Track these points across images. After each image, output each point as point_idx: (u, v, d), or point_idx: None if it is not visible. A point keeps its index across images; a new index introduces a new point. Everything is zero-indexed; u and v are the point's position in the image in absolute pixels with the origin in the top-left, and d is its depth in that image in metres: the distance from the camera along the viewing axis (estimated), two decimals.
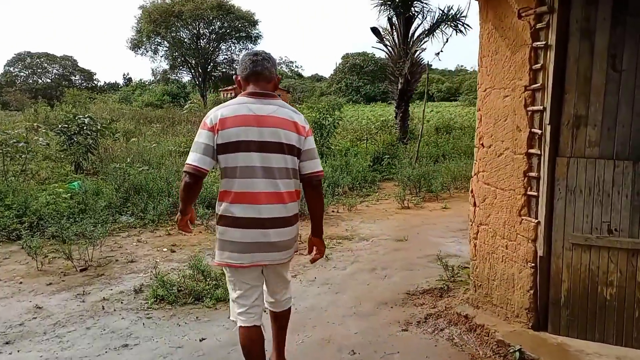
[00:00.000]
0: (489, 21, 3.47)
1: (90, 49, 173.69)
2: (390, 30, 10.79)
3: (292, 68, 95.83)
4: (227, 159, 2.32)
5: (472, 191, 3.74)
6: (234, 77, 2.62)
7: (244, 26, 49.92)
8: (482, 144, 3.57)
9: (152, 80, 57.23)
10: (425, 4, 10.50)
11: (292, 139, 2.38)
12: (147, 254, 5.40)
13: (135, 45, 49.12)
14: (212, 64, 51.67)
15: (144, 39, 48.25)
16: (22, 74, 65.37)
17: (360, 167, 8.95)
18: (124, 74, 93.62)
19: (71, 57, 68.98)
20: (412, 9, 10.57)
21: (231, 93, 50.39)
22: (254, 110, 2.34)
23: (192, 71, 51.34)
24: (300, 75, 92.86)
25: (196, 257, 5.10)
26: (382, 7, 10.92)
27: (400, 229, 6.18)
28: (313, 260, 2.67)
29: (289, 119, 2.40)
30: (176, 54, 49.95)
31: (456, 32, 10.06)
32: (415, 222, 6.53)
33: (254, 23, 50.23)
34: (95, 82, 70.74)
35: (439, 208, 7.27)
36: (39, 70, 66.17)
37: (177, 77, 52.95)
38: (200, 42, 49.98)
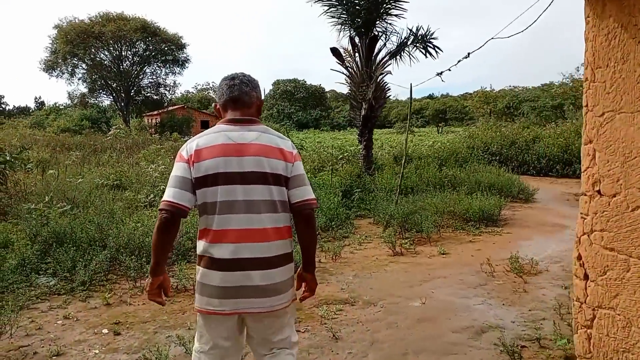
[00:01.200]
0: (609, 17, 2.45)
1: None
2: (352, 51, 9.84)
3: None
4: (205, 194, 2.09)
5: (579, 258, 2.65)
6: (212, 105, 2.44)
7: (170, 49, 47.73)
8: (600, 192, 2.52)
9: (68, 105, 53.23)
10: (389, 23, 9.72)
11: (277, 168, 2.13)
12: (80, 339, 3.84)
13: (50, 67, 45.35)
14: (135, 88, 48.87)
15: (60, 60, 44.71)
16: None
17: (331, 204, 7.76)
18: (35, 97, 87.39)
19: None
20: (375, 29, 9.72)
21: (156, 118, 47.89)
22: (233, 139, 2.12)
23: (114, 95, 48.24)
24: None
25: (152, 343, 3.65)
26: (342, 27, 9.99)
27: (407, 286, 5.01)
28: (302, 299, 2.34)
29: (274, 146, 2.16)
30: (95, 76, 46.72)
31: (425, 54, 9.30)
32: (419, 275, 5.39)
33: (182, 46, 48.19)
34: (3, 106, 65.05)
35: (436, 254, 6.20)
36: None
37: (96, 101, 49.55)
38: (122, 65, 47.14)
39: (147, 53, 47.44)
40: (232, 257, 2.07)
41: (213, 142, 2.10)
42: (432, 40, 9.17)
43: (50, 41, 44.79)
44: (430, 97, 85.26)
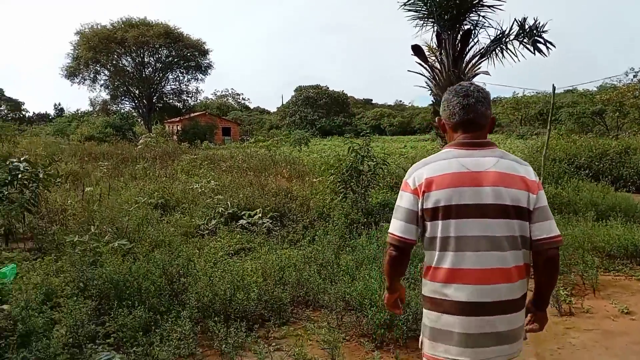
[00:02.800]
0: None
1: (17, 77, 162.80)
2: (438, 48, 8.37)
3: (239, 100, 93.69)
4: (435, 227, 1.91)
5: None
6: (436, 119, 2.17)
7: (193, 55, 46.88)
8: None
9: (90, 111, 52.58)
10: (482, 16, 8.23)
11: (519, 199, 1.88)
12: None
13: (72, 74, 44.76)
14: (157, 95, 48.05)
15: (82, 67, 44.06)
16: None
17: None
18: (55, 104, 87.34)
19: None
20: (465, 23, 8.24)
21: (177, 125, 46.99)
22: (467, 166, 1.92)
23: (136, 101, 47.45)
24: (247, 108, 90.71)
25: None
26: (425, 21, 8.54)
27: None
28: (529, 330, 2.07)
29: (514, 174, 1.91)
30: (118, 83, 46.04)
31: (534, 51, 7.79)
32: (631, 355, 3.85)
33: (205, 52, 47.33)
34: (24, 113, 64.70)
35: (617, 312, 4.63)
36: None
37: (118, 108, 48.80)
38: (145, 71, 46.35)
39: (169, 59, 46.66)
40: (472, 300, 1.86)
41: (445, 170, 1.92)
42: (542, 33, 7.66)
43: (72, 47, 44.27)
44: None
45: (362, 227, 6.87)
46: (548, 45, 7.73)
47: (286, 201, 8.70)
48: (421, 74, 8.75)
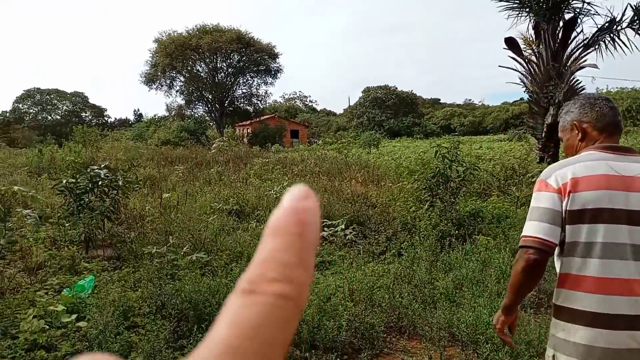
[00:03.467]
0: None
1: (100, 84, 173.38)
2: (535, 40, 7.56)
3: (306, 103, 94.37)
4: (579, 231, 1.79)
5: None
6: (573, 122, 2.02)
7: (263, 59, 47.47)
8: None
9: (166, 116, 54.75)
10: (587, 2, 7.29)
11: None
12: None
13: (150, 80, 46.66)
14: (229, 98, 49.13)
15: (159, 73, 45.83)
16: (31, 110, 63.05)
17: None
18: (134, 110, 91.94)
19: (82, 93, 66.77)
20: (566, 11, 7.36)
21: (248, 128, 47.76)
22: (617, 170, 1.81)
23: (209, 106, 48.76)
24: (314, 110, 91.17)
25: None
26: (520, 11, 7.73)
27: None
28: None
29: None
30: (192, 88, 47.48)
31: None
32: None
33: (275, 56, 47.80)
34: (106, 119, 68.49)
35: None
36: (48, 107, 63.87)
37: (192, 112, 50.38)
38: (217, 76, 47.51)
39: (241, 64, 47.52)
40: (619, 312, 1.71)
41: (593, 172, 1.82)
42: None
43: (151, 55, 46.12)
44: (521, 100, 79.55)
45: (454, 240, 6.22)
46: None
47: (365, 209, 8.19)
48: (514, 69, 7.96)
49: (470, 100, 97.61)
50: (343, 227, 5.85)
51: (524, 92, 8.04)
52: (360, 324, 4.01)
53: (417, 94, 70.04)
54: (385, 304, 4.38)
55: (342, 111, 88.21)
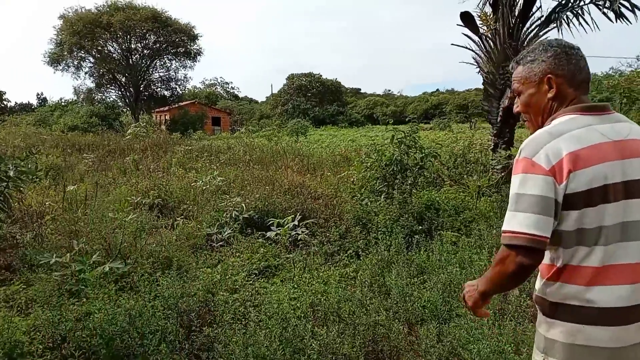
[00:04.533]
0: None
1: None
2: (492, 16, 6.95)
3: (228, 89, 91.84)
4: (583, 217, 1.48)
5: None
6: (546, 74, 1.65)
7: (182, 41, 44.82)
8: None
9: (74, 100, 50.36)
10: None
11: None
12: None
13: (55, 60, 42.48)
14: (145, 82, 46.07)
15: (65, 53, 41.86)
16: None
17: None
18: (37, 94, 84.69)
19: None
20: None
21: (166, 115, 45.14)
22: (607, 135, 1.53)
23: (122, 90, 45.45)
24: (236, 97, 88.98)
25: None
26: None
27: None
28: None
29: None
30: (103, 70, 43.92)
31: (617, 17, 6.38)
32: None
33: (194, 37, 45.29)
34: (5, 103, 62.08)
35: None
36: None
37: (103, 97, 46.70)
38: (132, 58, 44.29)
39: (157, 45, 44.63)
40: (630, 304, 1.47)
41: (589, 142, 1.50)
42: None
43: (55, 32, 42.03)
44: (441, 91, 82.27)
45: (418, 236, 5.48)
46: (635, 9, 6.32)
47: (310, 202, 7.29)
48: (468, 48, 7.34)
49: (389, 90, 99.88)
50: (296, 223, 4.89)
51: (478, 73, 7.51)
52: (333, 355, 3.10)
53: (341, 83, 70.11)
54: (357, 321, 3.50)
55: (264, 99, 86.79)
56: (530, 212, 1.48)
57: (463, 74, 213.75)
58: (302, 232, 4.89)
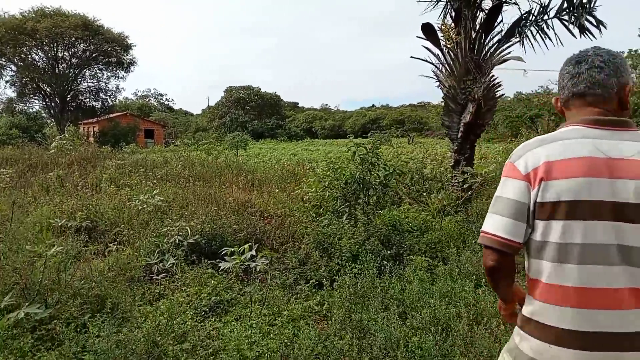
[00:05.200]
0: None
1: None
2: (454, 28, 6.66)
3: (162, 101, 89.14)
4: (551, 230, 1.45)
5: None
6: (553, 99, 1.74)
7: (114, 50, 42.72)
8: None
9: None
10: None
11: None
12: None
13: None
14: (72, 93, 43.41)
15: None
16: None
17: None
18: None
19: None
20: None
21: (95, 127, 42.67)
22: (604, 151, 1.44)
23: (47, 100, 42.55)
24: (170, 109, 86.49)
25: None
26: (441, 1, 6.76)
27: None
28: None
29: None
30: (26, 79, 40.96)
31: (581, 32, 6.24)
32: None
33: (127, 47, 43.32)
34: None
35: None
36: None
37: (25, 107, 43.53)
38: (58, 67, 41.63)
39: (87, 54, 42.26)
40: (604, 330, 1.40)
41: (573, 154, 1.45)
42: (593, 10, 6.14)
43: None
44: (376, 106, 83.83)
45: (387, 262, 4.98)
46: (600, 24, 6.22)
47: (261, 223, 6.65)
48: (428, 61, 7.01)
49: (326, 105, 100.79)
50: (254, 253, 4.22)
51: (437, 87, 7.20)
52: None
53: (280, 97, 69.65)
54: None
55: (200, 111, 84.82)
56: (504, 215, 1.50)
57: (396, 91, 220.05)
58: (262, 262, 4.24)
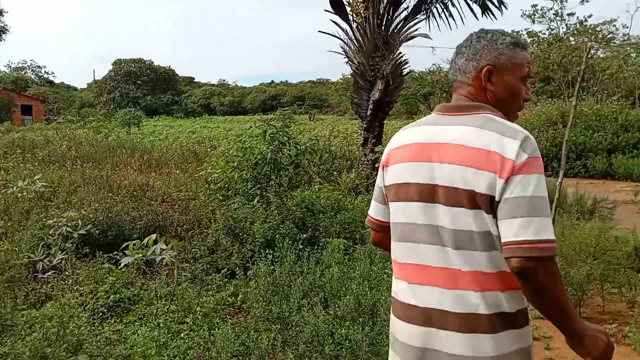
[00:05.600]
0: None
1: None
2: (364, 3, 6.47)
3: (40, 74, 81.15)
4: (391, 211, 1.59)
5: None
6: None
7: None
8: None
9: None
10: None
11: (479, 183, 1.33)
12: None
13: None
14: None
15: None
16: None
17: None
18: None
19: None
20: None
21: None
22: (431, 136, 1.47)
23: None
24: (51, 83, 79.04)
25: None
26: None
27: None
28: None
29: (483, 148, 1.34)
30: None
31: (483, 12, 6.31)
32: None
33: None
34: None
35: None
36: None
37: None
38: None
39: None
40: (413, 302, 1.48)
41: (405, 141, 1.55)
42: None
43: None
44: (274, 83, 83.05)
45: (302, 246, 4.77)
46: (501, 4, 6.36)
47: (162, 209, 6.12)
48: (336, 36, 6.80)
49: (224, 80, 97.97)
50: (162, 247, 3.73)
51: (346, 63, 7.03)
52: None
53: (175, 71, 66.32)
54: None
55: (85, 86, 78.43)
56: (374, 198, 1.71)
57: (296, 67, 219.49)
58: (168, 254, 3.80)
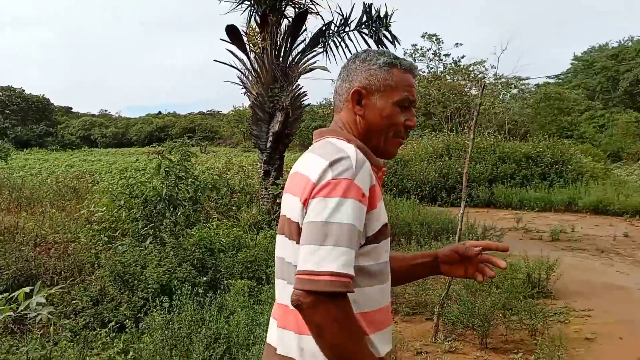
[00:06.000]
0: None
1: None
2: (261, 34, 6.32)
3: None
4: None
5: None
6: None
7: None
8: None
9: None
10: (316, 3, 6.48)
11: (293, 211, 1.25)
12: None
13: None
14: None
15: None
16: None
17: None
18: None
19: None
20: (292, 3, 6.40)
21: None
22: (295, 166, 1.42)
23: None
24: None
25: None
26: (244, 3, 6.35)
27: None
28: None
29: (303, 172, 1.25)
30: None
31: (378, 44, 6.43)
32: None
33: None
34: None
35: None
36: None
37: None
38: None
39: None
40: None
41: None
42: (389, 26, 6.41)
43: None
44: (162, 114, 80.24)
45: (202, 290, 4.36)
46: (395, 39, 6.57)
47: (36, 254, 5.35)
48: (234, 66, 6.58)
49: (106, 111, 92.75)
50: (42, 301, 3.10)
51: (244, 94, 6.80)
52: None
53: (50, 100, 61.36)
54: None
55: None
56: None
57: (187, 97, 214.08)
58: (45, 310, 3.20)
